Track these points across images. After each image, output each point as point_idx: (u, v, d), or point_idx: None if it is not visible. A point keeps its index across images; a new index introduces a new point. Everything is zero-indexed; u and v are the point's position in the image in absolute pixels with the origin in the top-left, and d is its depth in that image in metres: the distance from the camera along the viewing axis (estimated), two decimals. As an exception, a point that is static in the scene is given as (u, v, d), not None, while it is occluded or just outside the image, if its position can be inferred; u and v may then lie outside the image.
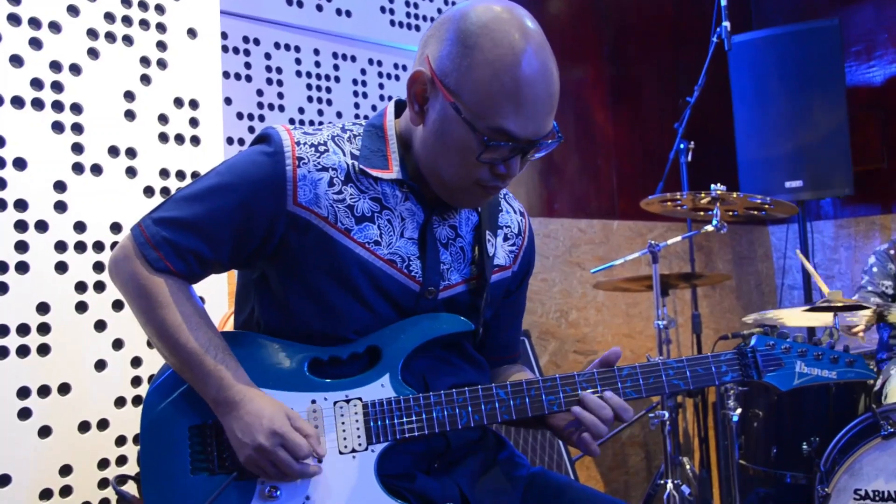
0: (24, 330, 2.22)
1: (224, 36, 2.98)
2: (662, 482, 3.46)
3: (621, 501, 1.76)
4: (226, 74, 2.99)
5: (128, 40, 2.45)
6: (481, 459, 1.77)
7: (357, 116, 3.33)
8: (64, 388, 2.28)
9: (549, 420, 1.72)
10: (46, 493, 2.24)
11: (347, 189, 1.64)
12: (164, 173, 2.49)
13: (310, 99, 3.21)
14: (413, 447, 1.65)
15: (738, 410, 3.34)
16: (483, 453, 1.78)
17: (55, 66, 2.31)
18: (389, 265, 1.64)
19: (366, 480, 1.58)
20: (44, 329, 2.25)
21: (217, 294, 2.49)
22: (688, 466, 3.82)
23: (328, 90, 3.26)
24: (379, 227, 1.64)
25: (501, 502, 1.71)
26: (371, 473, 1.59)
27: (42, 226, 2.27)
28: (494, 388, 1.64)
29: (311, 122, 3.20)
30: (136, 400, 2.39)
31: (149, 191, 2.47)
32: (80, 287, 2.33)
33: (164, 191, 2.48)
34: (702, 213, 3.60)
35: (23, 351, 2.22)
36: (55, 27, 2.32)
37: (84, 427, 2.32)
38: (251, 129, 3.03)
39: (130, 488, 1.70)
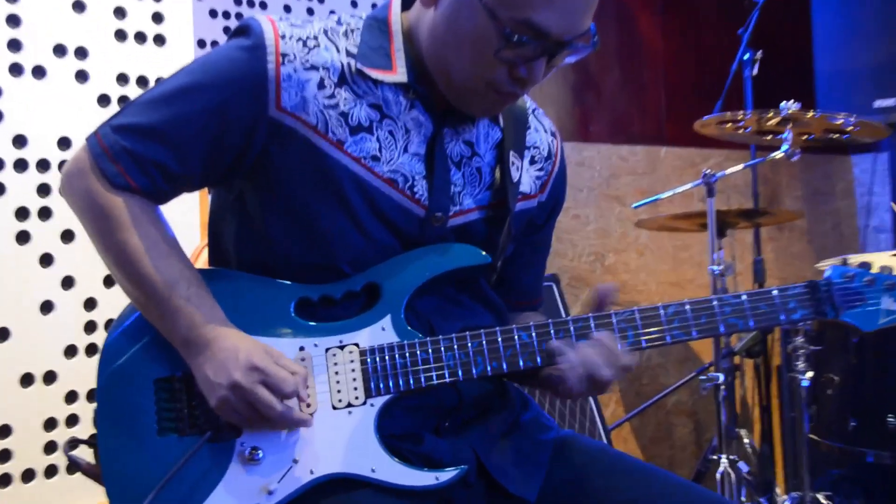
0: (-48, 265, 2.26)
1: (193, -87, 2.95)
2: (715, 458, 3.49)
3: (668, 472, 1.78)
4: (195, -39, 2.97)
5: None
6: (501, 420, 1.80)
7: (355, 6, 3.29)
8: (2, 335, 2.32)
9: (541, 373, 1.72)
10: (-21, 458, 2.31)
11: (341, 93, 1.63)
12: (123, 79, 2.50)
13: (298, -6, 3.19)
14: (419, 402, 1.68)
15: (809, 374, 3.28)
16: (503, 413, 1.81)
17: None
18: (389, 185, 1.65)
19: (364, 439, 1.61)
20: (-24, 264, 2.29)
21: (187, 225, 2.50)
22: (746, 440, 3.84)
23: (319, -16, 3.24)
24: (378, 140, 1.65)
25: (525, 470, 1.75)
26: (370, 431, 1.61)
27: (-28, 140, 2.30)
28: (516, 329, 1.67)
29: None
30: (91, 349, 2.42)
31: (104, 100, 2.47)
32: (22, 214, 2.34)
33: (123, 100, 2.48)
34: (769, 137, 3.57)
35: (-50, 290, 2.26)
36: None
37: (27, 380, 2.35)
38: (226, 30, 3.00)
39: (84, 454, 1.73)
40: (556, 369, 1.64)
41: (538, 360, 1.65)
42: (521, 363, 1.65)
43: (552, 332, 1.66)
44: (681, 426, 4.61)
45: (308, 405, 1.60)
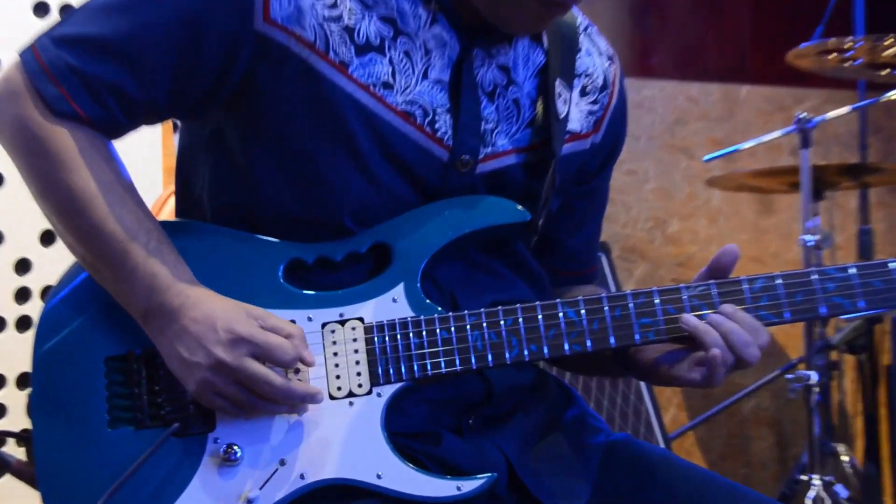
0: None
1: None
2: (804, 479, 3.51)
3: (754, 492, 1.79)
4: None
5: None
6: (539, 417, 1.81)
7: None
8: None
9: (636, 356, 1.75)
10: None
11: (346, 2, 1.64)
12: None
13: None
14: (438, 393, 1.70)
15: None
16: (541, 408, 1.83)
17: None
18: (404, 119, 1.66)
19: (368, 437, 1.62)
20: None
21: (146, 171, 2.50)
22: (845, 458, 3.84)
23: None
24: (391, 62, 1.65)
25: (567, 480, 1.76)
26: (376, 427, 1.62)
27: None
28: (560, 304, 1.67)
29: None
30: (23, 322, 2.45)
31: (42, 8, 2.47)
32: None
33: (66, 9, 2.48)
34: (884, 71, 3.57)
35: None
36: None
37: (-59, 362, 2.38)
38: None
39: (13, 450, 1.76)
40: (680, 349, 1.67)
41: (588, 343, 1.66)
42: (566, 347, 1.66)
43: (606, 307, 1.67)
44: (760, 438, 4.63)
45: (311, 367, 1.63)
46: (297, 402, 1.60)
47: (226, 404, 1.59)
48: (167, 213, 1.92)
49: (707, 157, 3.88)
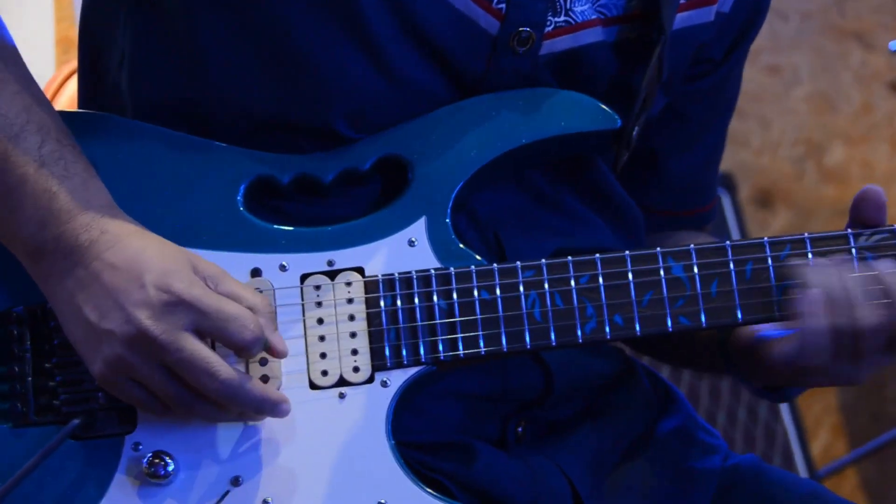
0: None
1: None
2: None
3: None
4: None
5: None
6: (622, 426, 1.81)
7: None
8: None
9: (749, 343, 1.71)
10: None
11: None
12: None
13: None
14: (473, 386, 1.69)
15: None
16: (626, 414, 1.82)
17: None
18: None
19: (367, 448, 1.61)
20: None
21: (32, 41, 2.52)
22: None
23: None
24: None
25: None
26: (379, 433, 1.61)
27: None
28: (662, 254, 1.64)
29: None
30: None
31: None
32: None
33: None
34: None
35: None
36: None
37: None
38: None
39: None
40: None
41: (702, 316, 1.62)
42: (668, 321, 1.63)
43: (731, 262, 1.64)
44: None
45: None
46: (249, 409, 1.57)
47: (145, 398, 1.56)
48: (64, 103, 1.91)
49: (895, 44, 3.86)
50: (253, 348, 1.53)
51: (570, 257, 1.64)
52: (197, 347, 1.51)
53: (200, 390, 1.53)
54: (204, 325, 1.52)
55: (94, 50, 1.80)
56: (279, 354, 1.57)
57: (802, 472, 3.56)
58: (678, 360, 2.12)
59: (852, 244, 1.65)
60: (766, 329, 1.67)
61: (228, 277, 1.57)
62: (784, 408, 3.61)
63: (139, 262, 1.54)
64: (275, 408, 1.56)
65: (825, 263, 1.60)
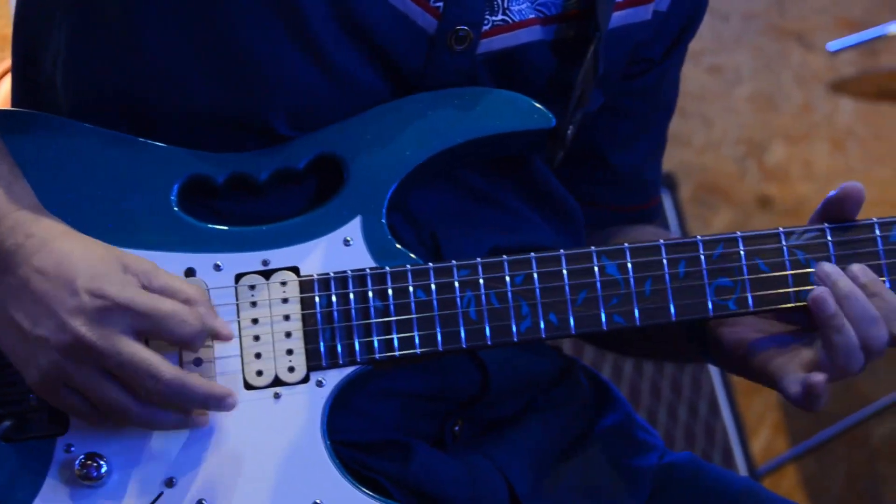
0: None
1: None
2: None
3: None
4: None
5: None
6: (560, 424, 1.81)
7: None
8: None
9: (722, 331, 1.73)
10: None
11: None
12: None
13: None
14: (409, 385, 1.69)
15: None
16: (564, 412, 1.83)
17: None
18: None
19: (302, 447, 1.60)
20: None
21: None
22: None
23: None
24: None
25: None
26: (315, 434, 1.61)
27: None
28: (596, 254, 1.65)
29: None
30: None
31: None
32: None
33: None
34: None
35: None
36: None
37: None
38: None
39: None
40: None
41: (635, 314, 1.63)
42: (602, 318, 1.63)
43: (664, 260, 1.65)
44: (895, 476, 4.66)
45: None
46: (195, 405, 1.56)
47: (81, 405, 1.56)
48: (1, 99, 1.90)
49: (833, 45, 3.86)
50: (196, 341, 1.54)
51: (505, 256, 1.65)
52: (136, 350, 1.51)
53: (143, 393, 1.52)
54: (141, 326, 1.52)
55: (29, 47, 1.79)
56: (225, 338, 1.58)
57: (742, 469, 3.58)
58: (635, 348, 2.14)
59: (783, 243, 1.65)
60: (757, 339, 1.69)
61: (161, 272, 1.57)
62: (724, 405, 3.62)
63: (68, 266, 1.53)
64: (221, 402, 1.56)
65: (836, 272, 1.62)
